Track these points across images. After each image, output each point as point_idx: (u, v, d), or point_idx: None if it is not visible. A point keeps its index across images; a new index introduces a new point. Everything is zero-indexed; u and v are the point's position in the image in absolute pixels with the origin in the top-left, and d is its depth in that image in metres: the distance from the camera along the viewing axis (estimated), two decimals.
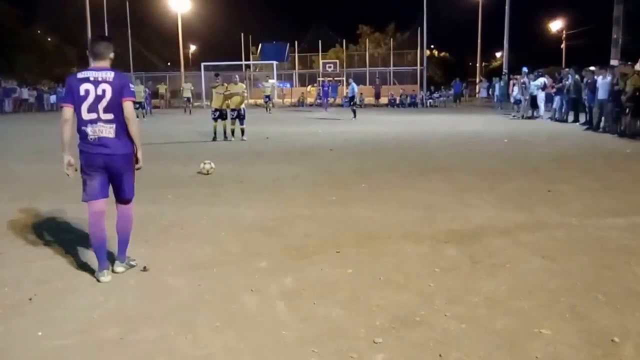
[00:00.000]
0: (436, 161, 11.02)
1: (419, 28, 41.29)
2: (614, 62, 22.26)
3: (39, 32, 53.18)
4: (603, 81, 16.72)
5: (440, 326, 3.59)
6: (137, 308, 3.95)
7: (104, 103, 4.35)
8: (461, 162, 10.87)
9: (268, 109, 30.36)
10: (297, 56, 48.51)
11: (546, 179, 8.88)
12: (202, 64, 38.67)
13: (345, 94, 30.10)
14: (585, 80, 18.76)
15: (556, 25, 57.82)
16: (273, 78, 38.14)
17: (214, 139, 15.21)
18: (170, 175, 9.58)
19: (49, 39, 54.89)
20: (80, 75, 4.41)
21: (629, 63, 17.81)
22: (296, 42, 48.14)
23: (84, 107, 4.35)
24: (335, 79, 41.30)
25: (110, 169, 4.50)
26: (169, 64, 54.71)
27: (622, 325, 3.58)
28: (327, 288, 4.27)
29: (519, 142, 14.33)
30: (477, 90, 43.54)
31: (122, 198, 4.71)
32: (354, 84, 25.81)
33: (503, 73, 34.42)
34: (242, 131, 15.18)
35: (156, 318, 3.78)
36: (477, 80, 46.18)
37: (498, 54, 60.04)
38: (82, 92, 4.34)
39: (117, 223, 4.73)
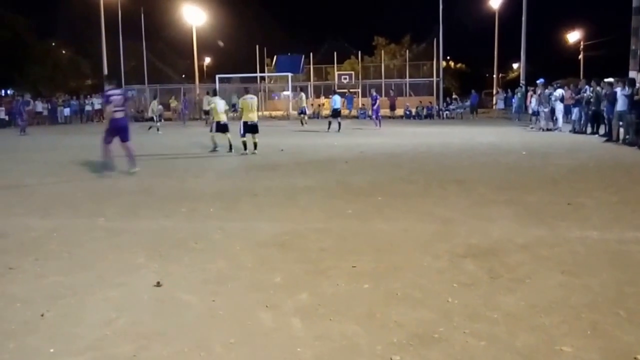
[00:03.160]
0: (453, 173, 10.89)
1: (435, 39, 41.17)
2: (632, 73, 22.09)
3: (53, 44, 53.71)
4: (622, 92, 16.50)
5: (459, 343, 3.50)
6: (150, 324, 3.90)
7: (119, 102, 10.80)
8: (479, 174, 10.76)
9: (303, 122, 28.72)
10: (312, 68, 48.59)
11: (566, 191, 8.75)
12: (217, 76, 38.77)
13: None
14: (603, 91, 18.56)
15: (574, 36, 57.42)
16: (288, 90, 38.11)
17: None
18: (183, 189, 9.56)
19: (64, 52, 55.42)
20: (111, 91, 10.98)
21: None
22: (311, 54, 48.22)
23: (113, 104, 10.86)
24: (351, 90, 41.24)
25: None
26: (183, 76, 55.04)
27: None
28: (343, 304, 4.20)
29: (537, 155, 14.16)
30: (494, 102, 43.28)
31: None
32: (337, 97, 25.34)
33: (520, 84, 34.17)
34: (255, 145, 15.15)
35: (170, 334, 3.72)
36: (494, 91, 45.89)
37: (515, 65, 59.72)
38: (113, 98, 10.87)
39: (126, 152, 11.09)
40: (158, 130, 25.03)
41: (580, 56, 56.16)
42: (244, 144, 15.17)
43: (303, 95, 30.96)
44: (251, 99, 15.35)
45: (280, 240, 6.01)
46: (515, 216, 7.05)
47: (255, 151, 14.96)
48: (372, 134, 22.76)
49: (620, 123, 16.78)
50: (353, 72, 46.19)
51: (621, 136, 16.76)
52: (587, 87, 20.80)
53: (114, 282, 4.77)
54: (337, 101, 24.91)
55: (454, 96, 41.95)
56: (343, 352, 3.43)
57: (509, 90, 38.56)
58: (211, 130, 15.90)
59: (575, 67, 53.90)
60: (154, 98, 30.79)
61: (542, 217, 6.95)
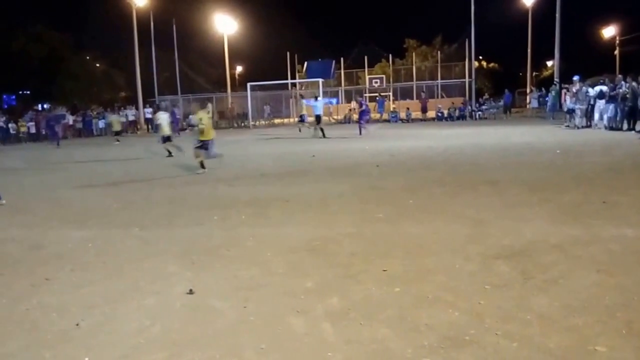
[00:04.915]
0: (486, 174, 10.78)
1: (467, 39, 40.83)
2: None
3: (87, 58, 54.71)
4: None
5: (491, 345, 3.48)
6: (183, 331, 3.95)
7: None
8: (512, 174, 10.63)
9: (301, 129, 26.93)
10: (343, 72, 48.66)
11: (601, 190, 8.58)
12: (248, 84, 39.07)
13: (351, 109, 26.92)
14: (638, 87, 18.18)
15: (609, 31, 56.32)
16: (319, 95, 37.99)
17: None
18: (216, 197, 9.65)
19: (98, 65, 56.41)
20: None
21: None
22: (342, 59, 48.32)
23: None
24: (382, 94, 41.17)
25: None
26: (215, 85, 55.54)
27: None
28: (373, 308, 4.20)
29: (572, 153, 13.94)
30: (527, 101, 42.69)
31: None
32: (319, 102, 24.61)
33: (554, 82, 33.68)
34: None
35: (202, 341, 3.77)
36: (528, 90, 45.30)
37: (549, 63, 58.86)
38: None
39: None
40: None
41: (616, 52, 55.08)
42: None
43: (304, 102, 29.39)
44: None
45: (312, 246, 6.04)
46: (549, 216, 6.96)
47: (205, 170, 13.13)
48: (403, 137, 22.62)
49: None
50: (384, 76, 46.14)
51: None
52: (623, 82, 20.39)
53: (148, 290, 4.84)
54: (318, 107, 24.23)
55: (485, 96, 41.53)
56: (373, 356, 3.44)
57: (542, 89, 37.96)
58: (163, 142, 16.74)
59: (611, 63, 52.85)
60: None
61: (576, 216, 6.84)
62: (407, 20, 74.91)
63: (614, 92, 20.83)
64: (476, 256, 5.36)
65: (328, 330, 3.84)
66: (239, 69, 69.73)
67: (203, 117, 13.08)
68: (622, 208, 7.25)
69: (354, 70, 50.34)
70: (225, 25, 46.41)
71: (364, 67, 48.22)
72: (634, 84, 19.18)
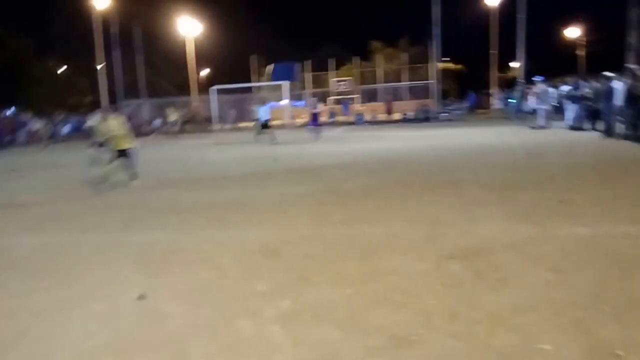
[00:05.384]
0: (447, 175, 10.85)
1: (429, 41, 41.15)
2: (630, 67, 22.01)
3: (50, 63, 53.69)
4: (619, 87, 16.48)
5: (438, 345, 3.50)
6: (131, 337, 3.89)
7: None
8: (472, 175, 10.72)
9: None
10: (308, 75, 48.62)
11: (559, 189, 8.71)
12: (211, 88, 38.78)
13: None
14: (600, 87, 18.51)
15: (572, 32, 57.28)
16: (285, 99, 37.73)
17: None
18: (176, 201, 9.54)
19: (60, 70, 55.42)
20: None
21: None
22: (308, 62, 48.27)
23: None
24: (348, 97, 41.28)
25: None
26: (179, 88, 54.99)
27: (628, 338, 3.45)
28: (324, 309, 4.18)
29: (534, 153, 14.16)
30: (492, 102, 43.18)
31: None
32: (265, 107, 23.15)
33: (518, 83, 34.14)
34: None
35: (149, 347, 3.72)
36: (493, 91, 45.78)
37: (514, 64, 59.61)
38: None
39: None
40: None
41: (580, 52, 56.10)
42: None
43: (256, 108, 25.74)
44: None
45: (268, 248, 6.00)
46: (506, 215, 7.03)
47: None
48: (367, 139, 22.65)
49: (618, 118, 16.71)
50: (351, 78, 46.25)
51: (619, 131, 16.66)
52: (584, 82, 20.73)
53: (99, 295, 4.76)
54: (265, 112, 22.86)
55: (451, 98, 41.93)
56: (321, 358, 3.42)
57: (507, 90, 38.45)
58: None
59: (574, 63, 53.77)
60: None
61: (532, 216, 6.92)
62: (372, 22, 74.91)
63: (576, 92, 21.16)
64: (431, 256, 5.37)
65: (277, 332, 3.81)
66: (206, 71, 69.20)
67: (111, 125, 11.95)
68: (578, 206, 7.36)
69: (320, 72, 50.27)
70: (189, 28, 45.97)
71: (330, 70, 48.21)
72: (595, 84, 19.50)
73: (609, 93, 17.20)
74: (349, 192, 9.56)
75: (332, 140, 22.52)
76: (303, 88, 47.98)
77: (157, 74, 49.61)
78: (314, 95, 42.30)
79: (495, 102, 40.28)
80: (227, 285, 4.87)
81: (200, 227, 7.37)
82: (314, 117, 24.62)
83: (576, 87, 21.48)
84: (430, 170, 11.84)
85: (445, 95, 44.94)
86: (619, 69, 19.63)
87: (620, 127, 16.73)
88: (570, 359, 3.23)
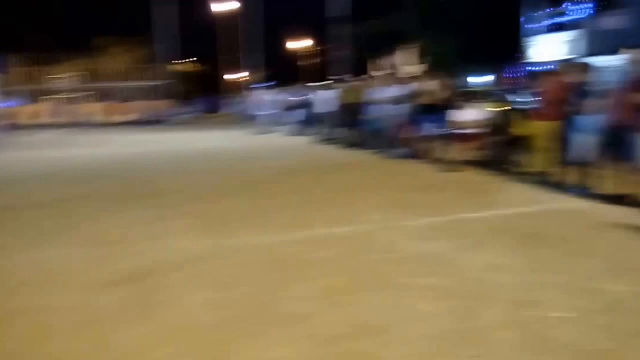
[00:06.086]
0: (152, 186, 10.13)
1: (155, 42, 40.00)
2: (345, 77, 23.63)
3: None
4: (329, 95, 17.43)
5: None
6: None
7: None
8: (183, 185, 10.21)
9: None
10: (23, 70, 43.76)
11: (261, 196, 8.76)
12: None
13: None
14: (313, 95, 19.47)
15: (296, 44, 60.79)
16: None
17: None
18: None
19: None
20: None
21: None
22: (19, 54, 43.37)
23: None
24: (69, 96, 38.25)
25: None
26: None
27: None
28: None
29: (250, 158, 14.46)
30: (225, 106, 43.36)
31: None
32: None
33: (250, 88, 34.79)
34: None
35: None
36: (228, 95, 45.95)
37: (242, 72, 61.05)
38: None
39: None
40: None
41: (304, 62, 59.81)
42: None
43: None
44: None
45: None
46: (187, 230, 6.62)
47: None
48: (78, 143, 21.08)
49: (330, 124, 17.58)
50: (72, 75, 42.93)
51: (332, 136, 17.50)
52: (304, 92, 21.61)
53: None
54: None
55: (183, 100, 41.35)
56: None
57: (236, 95, 38.94)
58: None
59: (297, 73, 57.08)
60: None
61: (217, 227, 6.70)
62: (98, 18, 69.83)
63: (297, 99, 21.97)
64: (94, 285, 4.73)
65: None
66: None
67: None
68: (270, 212, 7.40)
69: (36, 67, 45.38)
70: None
71: (49, 65, 43.99)
72: (312, 93, 20.43)
73: (321, 101, 18.07)
74: (21, 208, 8.23)
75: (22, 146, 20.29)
76: (17, 84, 43.10)
77: None
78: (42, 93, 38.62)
79: (227, 106, 40.54)
80: None
81: None
82: None
83: (298, 95, 22.31)
84: (133, 181, 10.94)
85: (188, 97, 43.99)
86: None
87: (333, 133, 17.64)
88: None
